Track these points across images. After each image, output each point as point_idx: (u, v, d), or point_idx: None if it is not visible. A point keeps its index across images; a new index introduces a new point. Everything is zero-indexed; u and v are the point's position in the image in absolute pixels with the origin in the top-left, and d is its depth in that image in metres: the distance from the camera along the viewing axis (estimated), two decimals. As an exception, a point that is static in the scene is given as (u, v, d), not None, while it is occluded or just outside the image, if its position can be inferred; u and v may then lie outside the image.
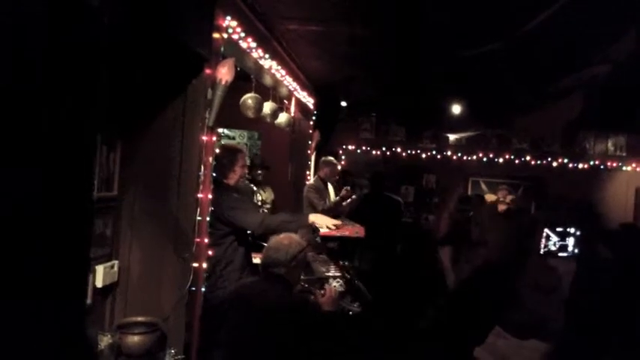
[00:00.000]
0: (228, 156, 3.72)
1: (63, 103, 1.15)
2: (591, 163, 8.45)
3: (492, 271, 3.33)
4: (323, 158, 6.69)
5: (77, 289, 1.27)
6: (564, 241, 3.41)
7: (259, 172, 5.84)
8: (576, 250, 3.44)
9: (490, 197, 8.07)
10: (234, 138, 7.43)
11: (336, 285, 3.58)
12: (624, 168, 8.48)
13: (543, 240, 3.39)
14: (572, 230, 3.41)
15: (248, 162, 4.96)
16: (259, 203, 5.64)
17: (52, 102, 1.14)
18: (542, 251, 3.38)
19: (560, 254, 3.42)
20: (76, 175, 1.20)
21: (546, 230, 3.39)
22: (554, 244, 3.39)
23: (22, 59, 1.08)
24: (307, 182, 6.66)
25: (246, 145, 7.46)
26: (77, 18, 1.12)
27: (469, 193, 8.73)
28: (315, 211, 5.62)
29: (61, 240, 1.18)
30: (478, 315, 2.96)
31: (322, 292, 2.93)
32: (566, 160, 8.44)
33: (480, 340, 3.05)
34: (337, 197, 6.23)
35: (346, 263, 4.39)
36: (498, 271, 3.39)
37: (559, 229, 3.39)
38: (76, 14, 1.11)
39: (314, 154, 7.25)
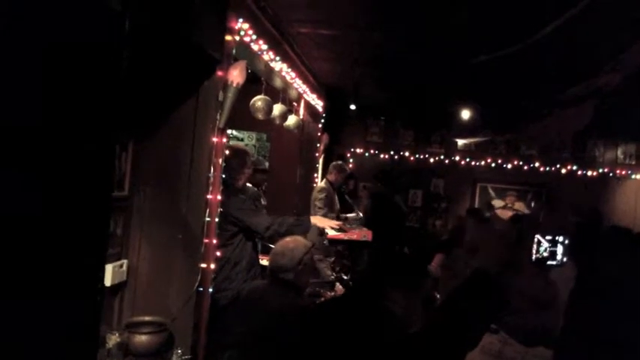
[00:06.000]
0: (237, 158, 3.74)
1: (85, 105, 1.17)
2: (600, 170, 8.41)
3: (484, 279, 3.29)
4: (334, 163, 6.68)
5: (93, 287, 1.29)
6: (555, 247, 3.38)
7: (264, 176, 5.69)
8: (564, 259, 3.40)
9: (498, 203, 8.08)
10: (242, 139, 7.45)
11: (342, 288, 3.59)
12: (633, 176, 8.43)
13: (535, 246, 3.35)
14: (560, 239, 3.38)
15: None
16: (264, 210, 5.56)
17: (74, 103, 1.16)
18: (533, 257, 3.34)
19: (549, 262, 3.38)
20: (96, 175, 1.21)
21: (537, 236, 3.35)
22: (546, 250, 3.36)
23: (47, 61, 1.10)
24: (316, 184, 6.65)
25: (255, 146, 7.48)
26: (101, 23, 1.14)
27: (477, 198, 8.72)
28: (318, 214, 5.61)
29: (81, 238, 1.20)
30: (466, 323, 2.91)
31: (332, 294, 2.94)
32: (575, 168, 8.40)
33: (472, 345, 3.02)
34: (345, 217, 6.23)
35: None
36: (490, 279, 3.34)
37: (549, 237, 3.36)
38: (100, 19, 1.13)
39: (322, 156, 7.26)
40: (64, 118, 1.16)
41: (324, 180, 6.63)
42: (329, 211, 5.89)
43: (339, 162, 6.67)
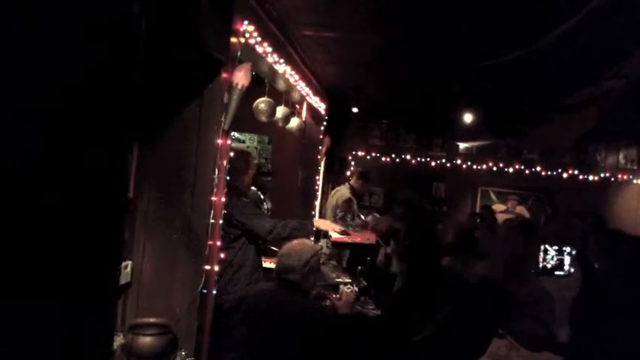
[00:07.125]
0: (241, 160, 3.74)
1: (104, 105, 1.17)
2: (602, 175, 8.40)
3: (493, 283, 3.28)
4: (360, 170, 6.65)
5: (109, 288, 1.29)
6: (562, 256, 3.35)
7: (269, 179, 5.70)
8: (572, 270, 3.37)
9: (499, 207, 8.07)
10: (244, 142, 7.43)
11: (347, 290, 3.58)
12: (635, 181, 8.42)
13: (541, 254, 3.32)
14: (568, 249, 3.35)
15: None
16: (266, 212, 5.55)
17: (93, 104, 1.16)
18: (540, 265, 3.32)
19: (556, 272, 3.34)
20: (113, 176, 1.21)
21: (545, 245, 3.33)
22: (552, 259, 3.33)
23: (67, 61, 1.10)
24: (340, 190, 6.60)
25: (256, 149, 7.46)
26: (121, 26, 1.13)
27: (478, 202, 8.71)
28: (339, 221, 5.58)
29: (98, 240, 1.19)
30: (475, 328, 2.91)
31: (337, 296, 2.94)
32: (576, 172, 8.40)
33: (481, 351, 3.02)
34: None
35: (359, 268, 4.40)
36: (499, 284, 3.33)
37: (556, 247, 3.33)
38: (120, 22, 1.13)
39: (324, 159, 7.25)
40: (83, 119, 1.16)
41: (346, 185, 6.55)
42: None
43: (365, 171, 6.65)
